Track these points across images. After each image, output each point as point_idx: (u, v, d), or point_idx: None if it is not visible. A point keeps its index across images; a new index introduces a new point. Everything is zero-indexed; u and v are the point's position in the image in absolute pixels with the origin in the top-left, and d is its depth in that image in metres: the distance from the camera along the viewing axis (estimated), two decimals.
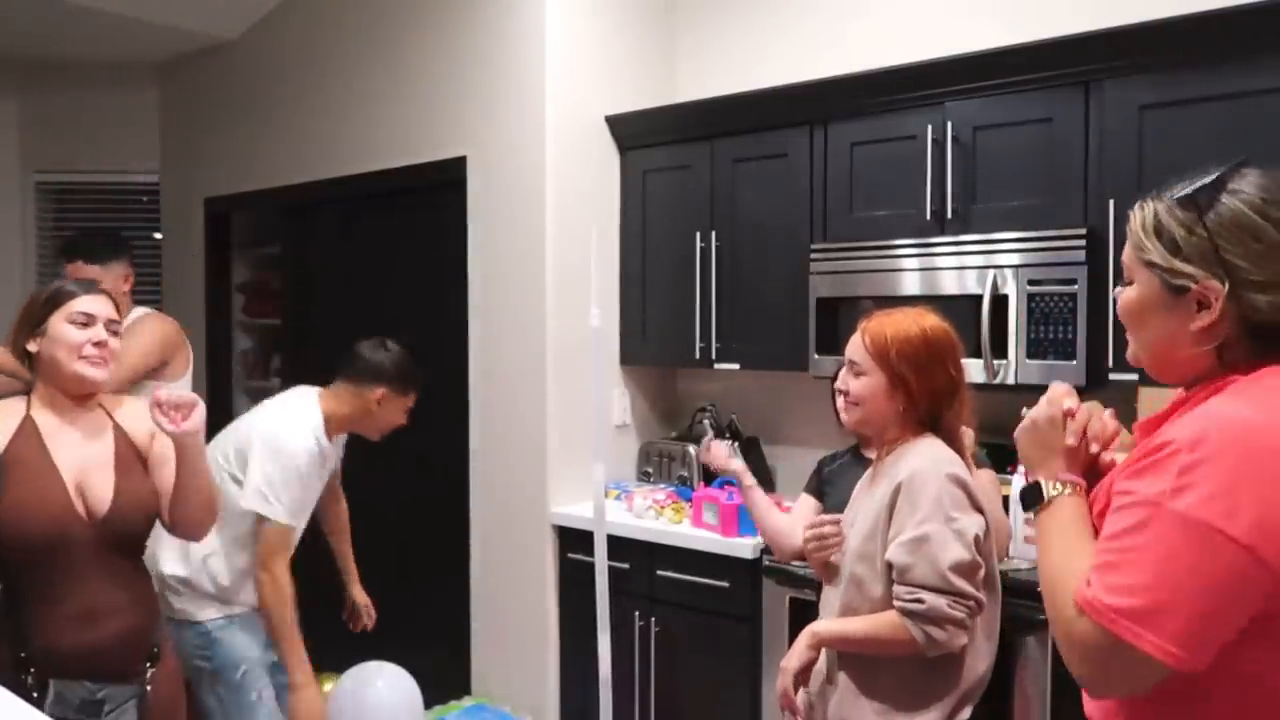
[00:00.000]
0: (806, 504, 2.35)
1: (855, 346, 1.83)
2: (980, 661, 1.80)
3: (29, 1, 3.83)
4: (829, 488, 2.32)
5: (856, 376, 1.83)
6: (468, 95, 3.40)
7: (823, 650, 1.86)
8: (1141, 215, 1.15)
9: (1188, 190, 1.12)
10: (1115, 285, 1.28)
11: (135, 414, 2.00)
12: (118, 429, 1.95)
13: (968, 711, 1.77)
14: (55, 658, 1.80)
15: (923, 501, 1.69)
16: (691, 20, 3.60)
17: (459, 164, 3.42)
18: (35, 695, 1.74)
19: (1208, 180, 1.13)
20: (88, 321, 1.90)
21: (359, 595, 2.85)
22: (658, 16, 3.57)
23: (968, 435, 1.93)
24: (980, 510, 1.76)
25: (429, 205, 3.63)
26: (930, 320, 1.81)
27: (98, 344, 1.90)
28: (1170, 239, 1.10)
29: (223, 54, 4.42)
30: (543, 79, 3.17)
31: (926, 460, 1.75)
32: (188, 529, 1.98)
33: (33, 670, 1.78)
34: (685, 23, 3.62)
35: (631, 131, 3.36)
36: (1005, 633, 2.33)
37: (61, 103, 4.73)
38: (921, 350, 1.77)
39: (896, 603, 1.69)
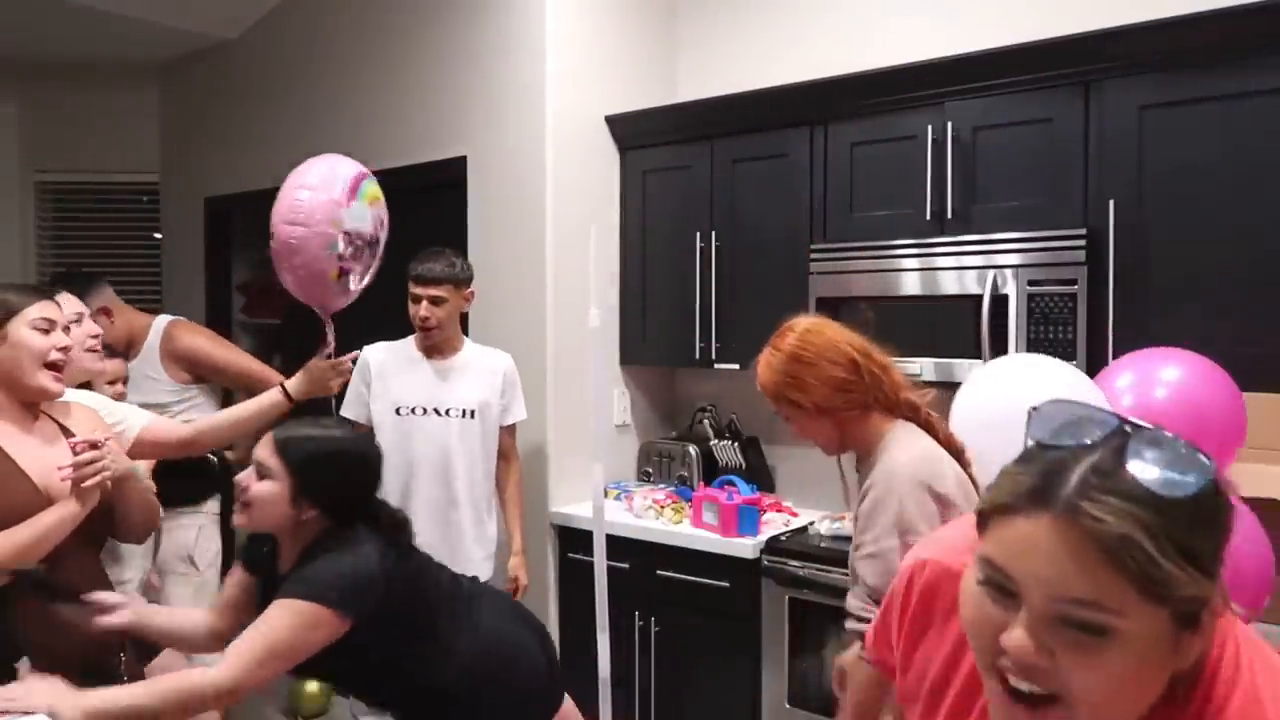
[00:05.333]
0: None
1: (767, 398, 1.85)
2: None
3: (29, 1, 3.83)
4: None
5: (788, 421, 1.83)
6: (468, 95, 3.40)
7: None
8: (1119, 519, 0.72)
9: (1167, 477, 0.73)
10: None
11: (79, 418, 2.00)
12: (67, 433, 1.93)
13: None
14: (51, 659, 1.80)
15: (883, 513, 1.66)
16: (691, 20, 3.60)
17: (459, 164, 3.42)
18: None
19: (1173, 452, 0.75)
20: (49, 327, 1.87)
21: (513, 566, 2.85)
22: (658, 16, 3.57)
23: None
24: (949, 506, 1.69)
25: (429, 205, 3.62)
26: (788, 338, 1.78)
27: (63, 349, 1.88)
28: (1189, 550, 0.73)
29: (223, 54, 4.42)
30: (543, 79, 3.17)
31: (890, 465, 1.71)
32: (131, 530, 2.02)
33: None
34: (685, 23, 3.62)
35: (631, 131, 3.36)
36: None
37: (61, 103, 4.73)
38: (790, 371, 1.75)
39: (849, 622, 1.70)
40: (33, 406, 1.91)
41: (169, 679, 1.66)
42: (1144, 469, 0.73)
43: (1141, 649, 0.73)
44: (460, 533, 2.78)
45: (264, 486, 1.76)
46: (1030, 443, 0.80)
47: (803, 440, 1.86)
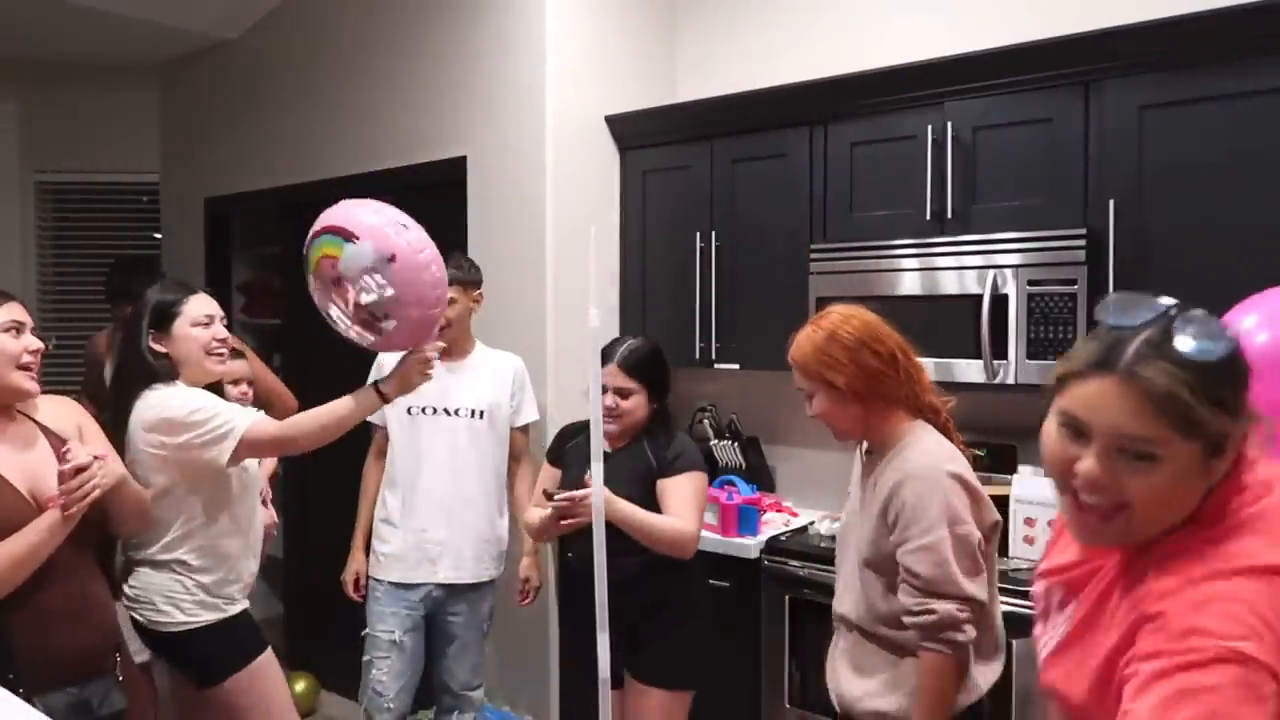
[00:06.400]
0: (552, 474, 2.46)
1: (795, 374, 1.87)
2: (982, 675, 1.79)
3: (29, 1, 3.83)
4: (568, 460, 2.46)
5: (809, 399, 1.86)
6: (468, 95, 3.40)
7: (839, 635, 1.91)
8: (1165, 379, 0.98)
9: (1201, 347, 0.99)
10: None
11: (54, 413, 1.99)
12: (46, 431, 1.93)
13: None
14: (46, 662, 1.78)
15: (930, 507, 1.70)
16: (691, 20, 3.60)
17: (459, 164, 3.41)
18: None
19: (1206, 328, 1.00)
20: (20, 329, 1.87)
21: (524, 567, 2.90)
22: (658, 16, 3.57)
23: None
24: (978, 499, 1.76)
25: (429, 205, 3.61)
26: (830, 318, 1.84)
27: (34, 352, 1.87)
28: (1216, 397, 0.98)
29: (223, 54, 4.42)
30: (543, 79, 3.17)
31: (925, 459, 1.75)
32: (123, 527, 2.02)
33: (20, 691, 1.74)
34: (685, 23, 3.62)
35: (631, 131, 3.36)
36: (1005, 631, 2.33)
37: (61, 103, 4.73)
38: (829, 350, 1.79)
39: (908, 618, 1.71)
40: (7, 409, 1.89)
41: (666, 519, 2.25)
42: (1184, 341, 0.99)
43: (1180, 469, 0.99)
44: (471, 531, 2.80)
45: (630, 401, 2.35)
46: (1099, 323, 1.06)
47: (816, 421, 1.89)
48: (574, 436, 2.51)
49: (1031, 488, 2.55)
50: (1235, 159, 2.26)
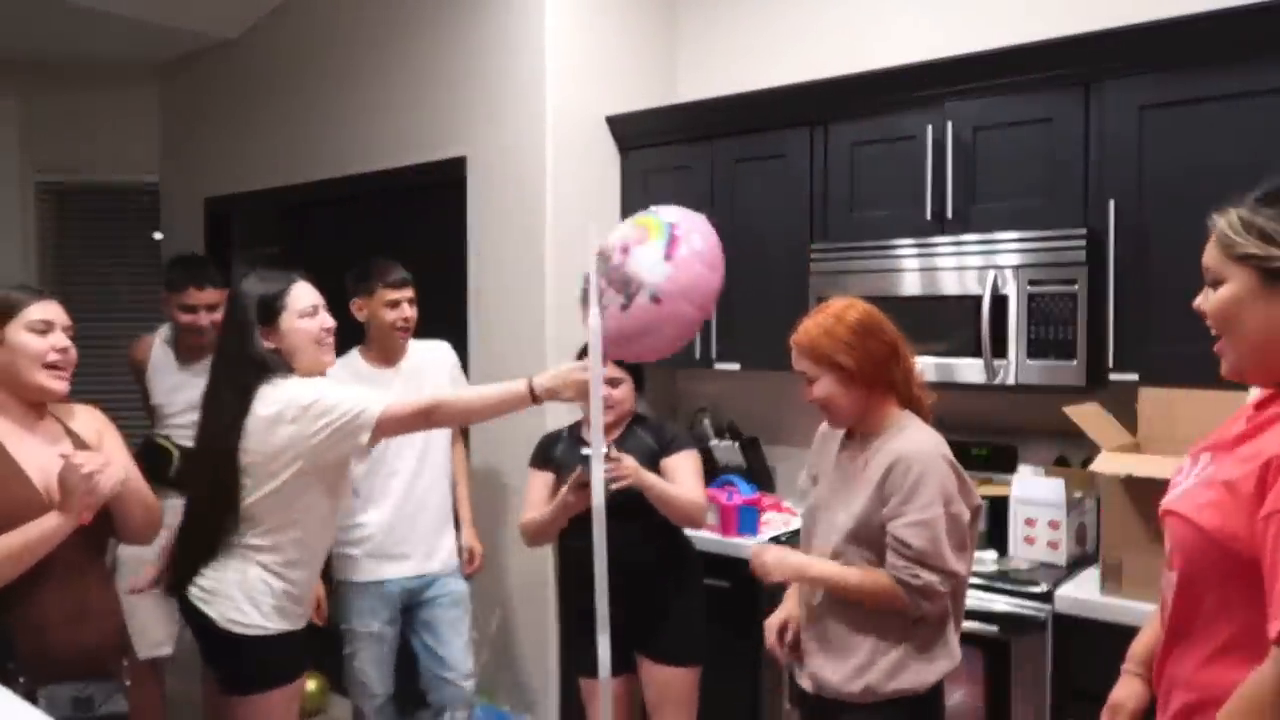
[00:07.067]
0: (543, 478, 2.55)
1: (796, 358, 1.93)
2: (956, 641, 1.91)
3: (29, 2, 3.83)
4: (561, 461, 2.57)
5: (811, 384, 1.92)
6: (468, 95, 3.40)
7: (806, 601, 1.98)
8: (1226, 219, 1.24)
9: (1268, 190, 1.23)
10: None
11: (82, 419, 2.00)
12: (71, 434, 1.94)
13: (932, 676, 1.85)
14: (46, 661, 1.79)
15: (928, 486, 1.79)
16: (691, 20, 3.60)
17: (459, 164, 3.42)
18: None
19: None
20: (47, 329, 1.86)
21: (466, 538, 2.99)
22: (658, 17, 3.57)
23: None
24: (964, 483, 1.85)
25: (429, 205, 3.63)
26: (835, 307, 1.93)
27: (61, 350, 1.87)
28: (1262, 231, 1.20)
29: (223, 54, 4.42)
30: (543, 79, 3.17)
31: (922, 443, 1.84)
32: (134, 536, 2.02)
33: (21, 680, 1.75)
34: (685, 23, 3.62)
35: (632, 132, 3.36)
36: (1005, 631, 2.34)
37: (61, 103, 4.73)
38: (839, 334, 1.87)
39: (895, 573, 1.80)
40: (39, 407, 1.91)
41: (684, 491, 2.43)
42: (1258, 192, 1.23)
43: (1242, 291, 1.23)
44: (433, 523, 2.87)
45: (620, 391, 2.52)
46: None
47: (813, 404, 1.94)
48: (559, 440, 2.64)
49: (1031, 488, 2.55)
50: (1236, 159, 2.25)
